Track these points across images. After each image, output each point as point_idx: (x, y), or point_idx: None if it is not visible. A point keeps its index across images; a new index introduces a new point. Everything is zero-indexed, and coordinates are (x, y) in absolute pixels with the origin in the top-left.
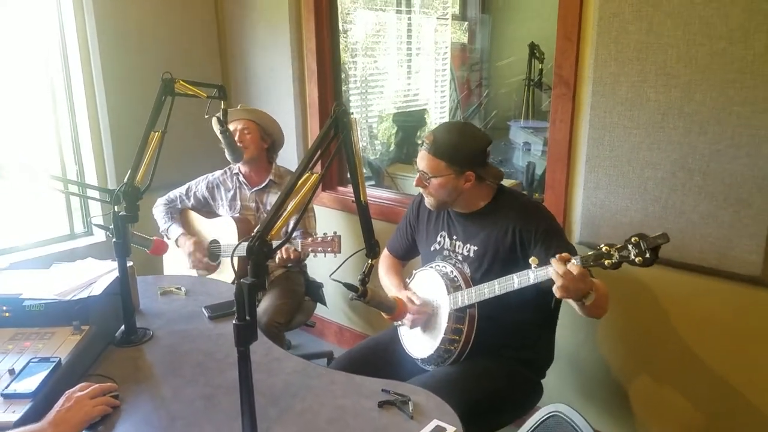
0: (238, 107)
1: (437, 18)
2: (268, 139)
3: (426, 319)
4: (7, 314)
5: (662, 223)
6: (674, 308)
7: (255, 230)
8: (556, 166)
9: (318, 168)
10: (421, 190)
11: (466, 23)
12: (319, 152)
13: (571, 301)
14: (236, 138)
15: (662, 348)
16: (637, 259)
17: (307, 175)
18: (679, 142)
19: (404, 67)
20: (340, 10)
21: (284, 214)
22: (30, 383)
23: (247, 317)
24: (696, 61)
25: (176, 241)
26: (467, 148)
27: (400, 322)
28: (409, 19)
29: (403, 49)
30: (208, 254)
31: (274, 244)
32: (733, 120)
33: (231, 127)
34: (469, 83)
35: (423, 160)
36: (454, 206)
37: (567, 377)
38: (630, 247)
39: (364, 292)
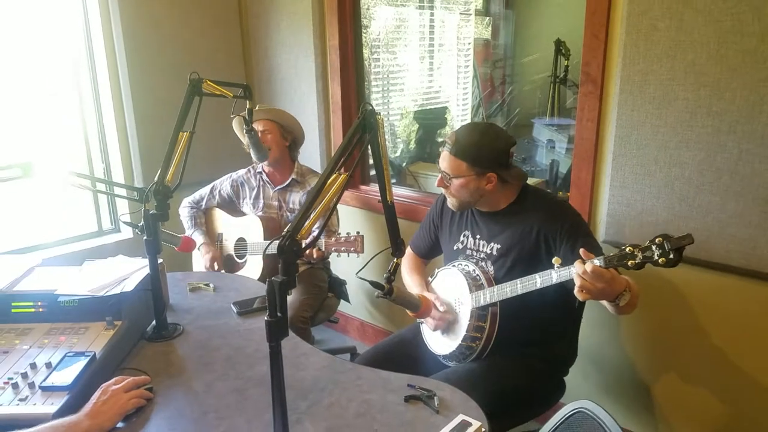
0: (257, 108)
1: (460, 13)
2: (289, 137)
3: (447, 324)
4: (42, 309)
5: (688, 222)
6: (700, 307)
7: (285, 230)
8: (582, 164)
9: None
10: (443, 190)
11: (490, 18)
12: (347, 153)
13: (604, 302)
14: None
15: (687, 347)
16: (660, 260)
17: (335, 175)
18: (707, 141)
19: (426, 63)
20: (363, 5)
21: (313, 213)
22: (66, 376)
23: (279, 314)
24: (726, 59)
25: (198, 248)
26: (489, 150)
27: (423, 320)
28: (432, 14)
29: (425, 45)
30: (234, 253)
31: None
32: (763, 119)
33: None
34: (492, 80)
35: (445, 160)
36: (478, 206)
37: (590, 374)
38: (654, 247)
39: (390, 290)
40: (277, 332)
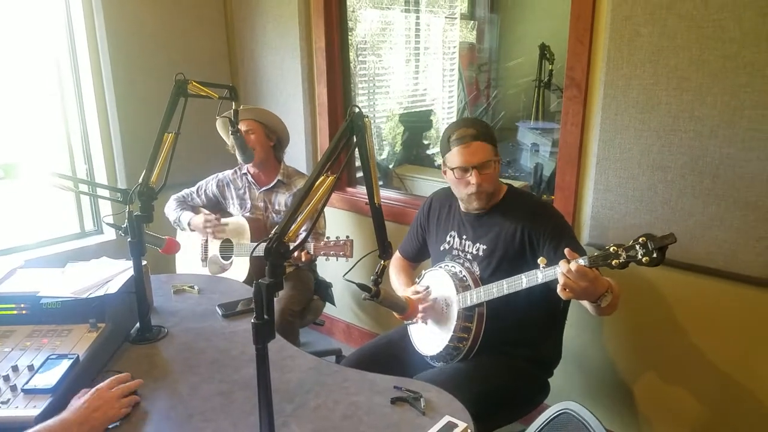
0: (240, 108)
1: (445, 17)
2: (273, 137)
3: (436, 312)
4: (24, 311)
5: (671, 225)
6: (682, 309)
7: (272, 232)
8: (567, 168)
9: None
10: (473, 188)
11: (475, 22)
12: (335, 156)
13: (585, 303)
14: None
15: (669, 348)
16: (644, 259)
17: (323, 177)
18: (689, 146)
19: (412, 66)
20: (349, 7)
21: (301, 215)
22: (49, 379)
23: (265, 316)
24: (708, 64)
25: (188, 223)
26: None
27: (410, 321)
28: (417, 17)
29: (410, 48)
30: (220, 255)
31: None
32: (744, 123)
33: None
34: (477, 83)
35: (479, 151)
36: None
37: (574, 376)
38: (637, 247)
39: (377, 292)
40: (263, 334)
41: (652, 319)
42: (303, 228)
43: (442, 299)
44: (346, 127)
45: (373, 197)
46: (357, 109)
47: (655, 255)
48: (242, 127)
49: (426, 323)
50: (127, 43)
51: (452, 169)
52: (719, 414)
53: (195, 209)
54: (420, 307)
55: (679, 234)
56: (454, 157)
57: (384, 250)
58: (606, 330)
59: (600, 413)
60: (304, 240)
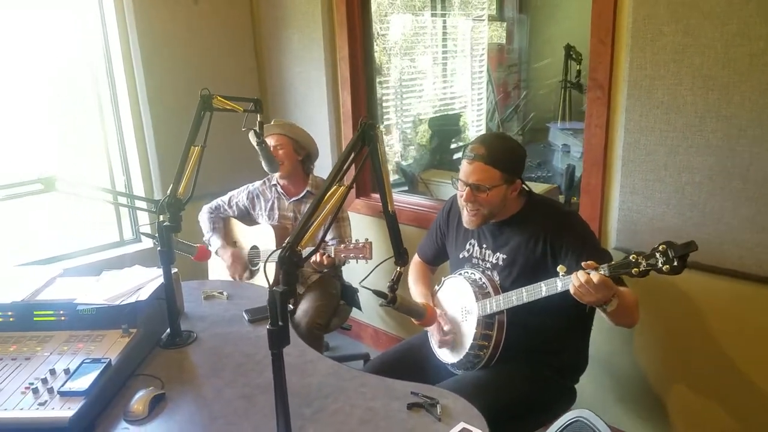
0: (272, 122)
1: (473, 19)
2: (302, 152)
3: (456, 320)
4: (63, 318)
5: (700, 228)
6: (713, 314)
7: (286, 240)
8: (592, 170)
9: (351, 175)
10: (466, 206)
11: (504, 23)
12: (345, 166)
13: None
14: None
15: (701, 355)
16: (664, 267)
17: (335, 187)
18: (717, 146)
19: (440, 68)
20: (377, 12)
21: (313, 224)
22: (83, 382)
23: (280, 322)
24: (734, 62)
25: (216, 251)
26: (517, 156)
27: (428, 328)
28: (444, 21)
29: (438, 51)
30: (248, 260)
31: (305, 253)
32: None
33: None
34: (506, 85)
35: (476, 172)
36: (497, 216)
37: (602, 383)
38: (658, 255)
39: (393, 298)
40: (279, 340)
41: (683, 325)
42: (331, 237)
43: (461, 307)
44: (357, 138)
45: (386, 204)
46: (368, 121)
47: (675, 263)
48: (272, 141)
49: (444, 331)
50: (160, 60)
51: (458, 179)
52: (752, 425)
53: (226, 222)
54: (438, 312)
55: (708, 237)
56: (461, 168)
57: (400, 256)
58: (636, 336)
59: (630, 421)
60: (318, 247)
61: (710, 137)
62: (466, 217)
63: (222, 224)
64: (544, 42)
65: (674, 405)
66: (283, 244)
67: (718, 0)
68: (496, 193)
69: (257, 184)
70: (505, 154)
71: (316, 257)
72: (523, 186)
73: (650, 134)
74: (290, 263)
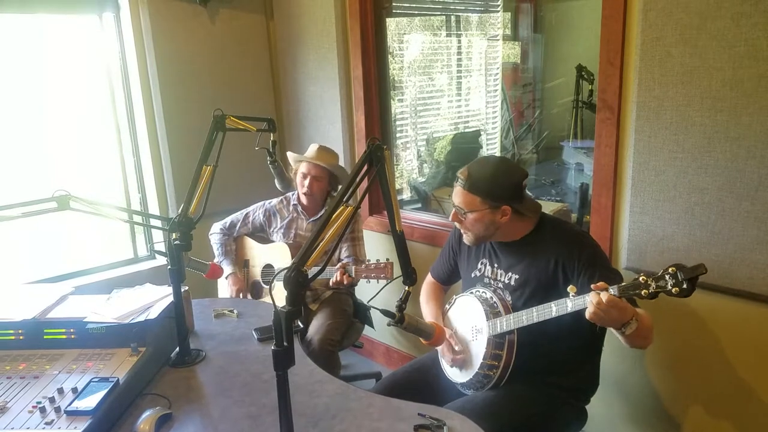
0: (317, 147)
1: (488, 39)
2: (335, 186)
3: (463, 362)
4: (73, 336)
5: (709, 249)
6: (724, 335)
7: (292, 261)
8: (602, 190)
9: (360, 194)
10: (457, 225)
11: (518, 43)
12: (352, 188)
13: (613, 330)
14: (305, 182)
15: (712, 376)
16: (674, 290)
17: (342, 207)
18: (726, 167)
19: (454, 87)
20: (395, 32)
21: (320, 245)
22: (90, 401)
23: (285, 343)
24: (742, 83)
25: (226, 277)
26: (502, 183)
27: (437, 347)
28: (459, 41)
29: (452, 70)
30: (261, 279)
31: (311, 273)
32: None
33: (303, 167)
34: (520, 103)
35: (458, 195)
36: (494, 237)
37: (614, 404)
38: (667, 277)
39: (401, 318)
40: (283, 361)
41: (694, 346)
42: (345, 254)
43: (472, 326)
44: (365, 158)
45: (394, 224)
46: (376, 141)
47: (685, 286)
48: (313, 171)
49: (454, 351)
50: (177, 79)
51: None
52: None
53: (238, 242)
54: (447, 333)
55: (718, 258)
56: None
57: (408, 276)
58: (647, 357)
59: None
60: (324, 267)
61: (719, 158)
62: (464, 234)
63: (234, 247)
64: (557, 61)
65: (686, 426)
66: (288, 265)
67: (725, 23)
68: (477, 217)
69: (274, 201)
70: (486, 182)
71: (336, 276)
72: (518, 211)
73: (659, 155)
74: (296, 283)
